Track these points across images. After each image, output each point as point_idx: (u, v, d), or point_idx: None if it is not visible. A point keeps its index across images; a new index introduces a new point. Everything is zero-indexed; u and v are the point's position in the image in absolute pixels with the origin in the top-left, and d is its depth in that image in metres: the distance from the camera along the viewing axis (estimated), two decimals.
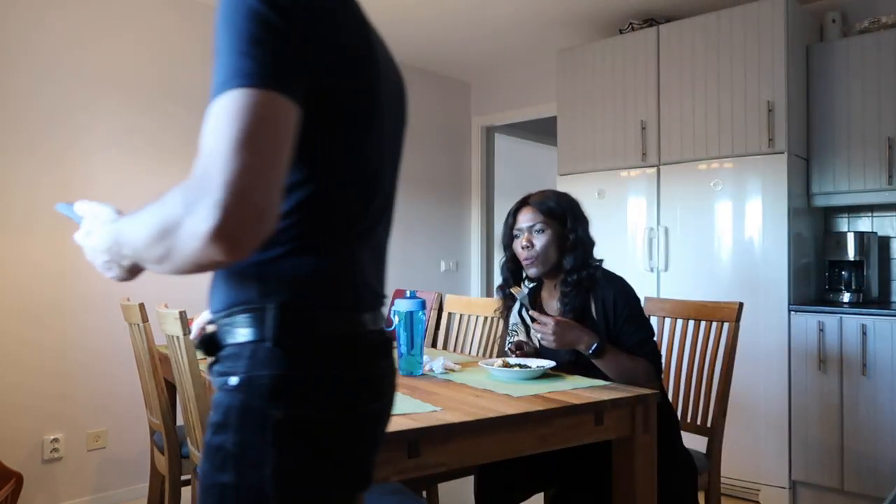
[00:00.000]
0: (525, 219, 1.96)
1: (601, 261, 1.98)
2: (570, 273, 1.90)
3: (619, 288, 1.89)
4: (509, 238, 2.01)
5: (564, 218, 1.94)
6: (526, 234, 1.95)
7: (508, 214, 2.02)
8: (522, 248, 1.95)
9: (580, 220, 1.96)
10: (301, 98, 0.75)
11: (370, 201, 0.92)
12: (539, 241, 1.93)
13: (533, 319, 1.85)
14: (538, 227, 1.93)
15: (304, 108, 0.76)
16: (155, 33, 3.29)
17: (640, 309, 1.91)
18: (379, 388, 0.92)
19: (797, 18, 3.17)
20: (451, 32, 4.02)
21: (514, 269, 2.04)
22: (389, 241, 1.02)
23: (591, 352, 1.78)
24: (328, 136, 0.83)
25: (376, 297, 0.95)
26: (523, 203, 1.99)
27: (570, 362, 1.92)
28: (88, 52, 3.05)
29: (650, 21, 3.60)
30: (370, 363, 0.90)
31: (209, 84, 0.74)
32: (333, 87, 0.81)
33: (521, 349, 2.03)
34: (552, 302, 2.01)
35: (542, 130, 5.23)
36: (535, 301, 2.07)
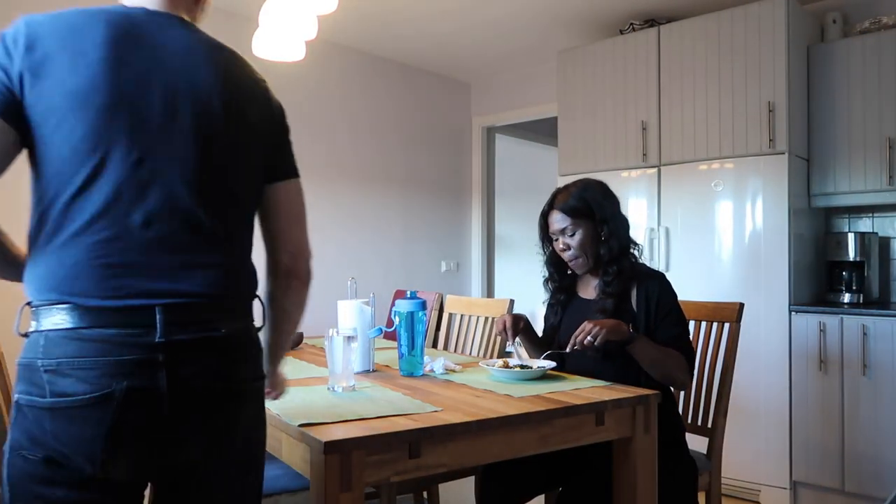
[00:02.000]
0: (555, 222, 1.99)
1: (639, 245, 2.01)
2: (609, 264, 1.94)
3: (663, 283, 1.94)
4: (547, 237, 2.06)
5: (591, 212, 1.95)
6: (561, 239, 1.99)
7: (540, 216, 2.06)
8: (561, 251, 2.00)
9: (607, 207, 1.97)
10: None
11: (75, 202, 1.01)
12: (574, 243, 1.96)
13: (573, 346, 1.83)
14: (568, 230, 1.96)
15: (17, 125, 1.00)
16: None
17: (679, 306, 1.94)
18: (77, 380, 0.97)
19: (798, 19, 3.17)
20: (452, 33, 4.02)
21: (556, 263, 2.08)
22: (167, 233, 1.05)
23: (630, 332, 1.81)
24: (38, 146, 1.03)
25: (106, 289, 1.00)
26: (550, 207, 2.02)
27: (600, 356, 1.92)
28: None
29: (651, 21, 3.60)
30: (64, 355, 0.98)
31: None
32: (36, 108, 1.00)
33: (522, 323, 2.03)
34: (590, 287, 2.04)
35: (543, 131, 5.23)
36: (571, 289, 2.10)
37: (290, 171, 1.21)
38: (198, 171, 1.06)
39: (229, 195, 1.11)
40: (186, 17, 1.16)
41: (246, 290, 1.15)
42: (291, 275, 1.21)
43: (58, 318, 1.00)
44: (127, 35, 1.05)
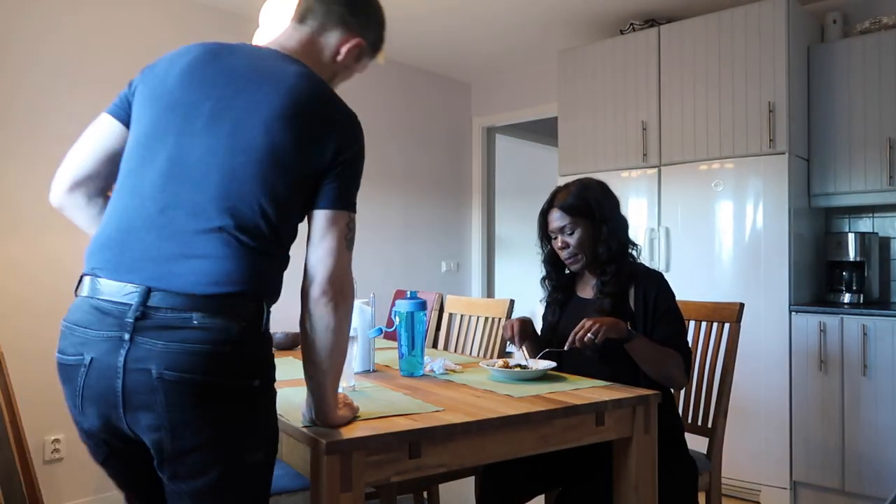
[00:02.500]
0: (554, 220, 1.99)
1: (637, 246, 2.02)
2: (607, 263, 1.94)
3: (660, 283, 1.94)
4: (545, 235, 2.06)
5: (591, 211, 1.95)
6: (560, 237, 1.99)
7: (539, 214, 2.05)
8: (559, 249, 2.00)
9: (606, 207, 1.98)
10: (116, 112, 1.27)
11: (124, 185, 1.21)
12: (572, 241, 1.96)
13: (571, 344, 1.82)
14: (567, 228, 1.96)
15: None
16: (153, 28, 3.29)
17: (677, 305, 1.95)
18: (69, 344, 1.15)
19: (798, 19, 3.17)
20: (452, 33, 4.02)
21: (554, 262, 2.08)
22: (177, 223, 1.15)
23: (628, 330, 1.81)
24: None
25: (114, 265, 1.15)
26: (549, 205, 2.02)
27: (597, 356, 1.92)
28: (82, 45, 3.06)
29: (651, 22, 3.60)
30: (70, 320, 1.17)
31: None
32: (134, 108, 1.25)
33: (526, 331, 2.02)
34: (588, 287, 2.04)
35: (543, 131, 5.23)
36: (568, 289, 2.10)
37: (332, 203, 1.22)
38: (220, 173, 1.15)
39: (248, 203, 1.15)
40: (301, 59, 1.27)
41: (248, 291, 1.14)
42: (309, 298, 1.20)
43: (83, 287, 1.17)
44: (213, 57, 1.23)
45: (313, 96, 1.22)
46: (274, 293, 1.22)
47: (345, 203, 1.23)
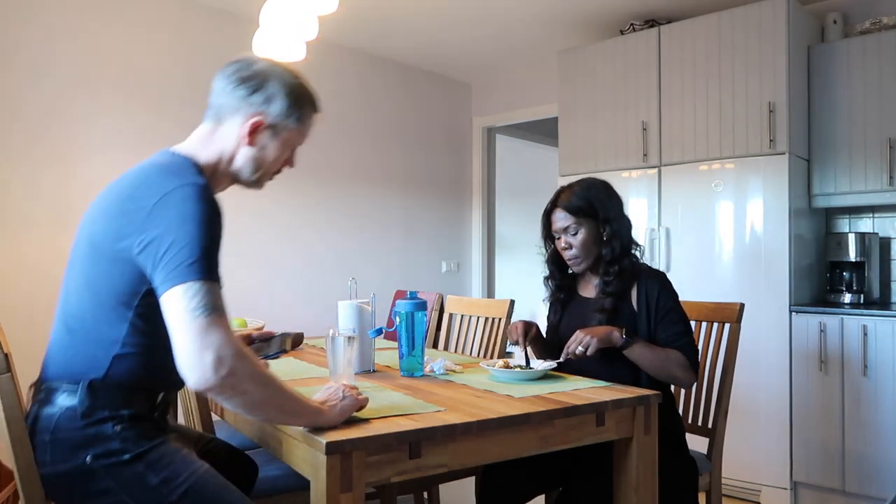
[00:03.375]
0: (558, 221, 1.99)
1: (640, 246, 2.01)
2: (610, 264, 1.94)
3: (663, 282, 1.94)
4: (549, 235, 2.05)
5: (595, 211, 1.95)
6: (563, 238, 1.98)
7: (543, 214, 2.05)
8: (562, 249, 2.00)
9: (610, 208, 1.97)
10: None
11: None
12: (576, 242, 1.96)
13: (566, 356, 1.83)
14: (571, 229, 1.96)
15: None
16: (155, 31, 3.29)
17: (680, 304, 1.94)
18: None
19: (798, 19, 3.17)
20: (452, 33, 4.02)
21: (557, 262, 2.08)
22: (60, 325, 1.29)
23: (623, 339, 1.80)
24: None
25: None
26: (553, 205, 2.01)
27: (598, 356, 1.91)
28: (88, 48, 3.06)
29: (651, 22, 3.60)
30: None
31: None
32: None
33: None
34: (590, 286, 2.04)
35: (544, 131, 5.23)
36: (571, 288, 2.10)
37: (164, 286, 1.14)
38: (71, 279, 1.29)
39: (73, 292, 1.27)
40: (199, 153, 1.33)
41: (65, 377, 1.23)
42: (194, 389, 1.14)
43: None
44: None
45: (130, 182, 1.25)
46: (110, 378, 1.20)
47: (177, 277, 1.12)
